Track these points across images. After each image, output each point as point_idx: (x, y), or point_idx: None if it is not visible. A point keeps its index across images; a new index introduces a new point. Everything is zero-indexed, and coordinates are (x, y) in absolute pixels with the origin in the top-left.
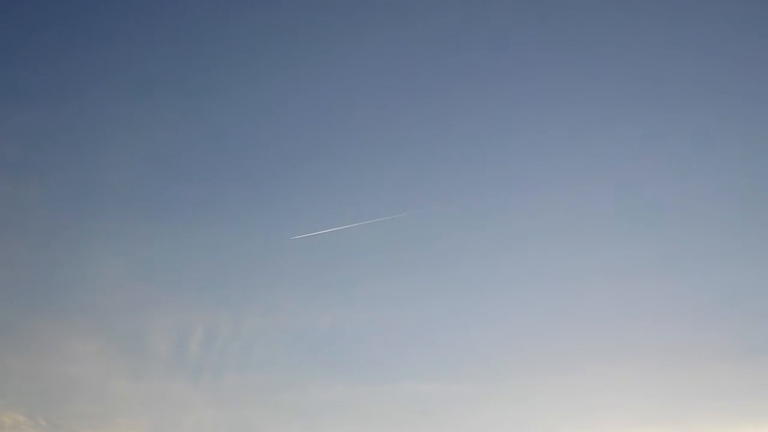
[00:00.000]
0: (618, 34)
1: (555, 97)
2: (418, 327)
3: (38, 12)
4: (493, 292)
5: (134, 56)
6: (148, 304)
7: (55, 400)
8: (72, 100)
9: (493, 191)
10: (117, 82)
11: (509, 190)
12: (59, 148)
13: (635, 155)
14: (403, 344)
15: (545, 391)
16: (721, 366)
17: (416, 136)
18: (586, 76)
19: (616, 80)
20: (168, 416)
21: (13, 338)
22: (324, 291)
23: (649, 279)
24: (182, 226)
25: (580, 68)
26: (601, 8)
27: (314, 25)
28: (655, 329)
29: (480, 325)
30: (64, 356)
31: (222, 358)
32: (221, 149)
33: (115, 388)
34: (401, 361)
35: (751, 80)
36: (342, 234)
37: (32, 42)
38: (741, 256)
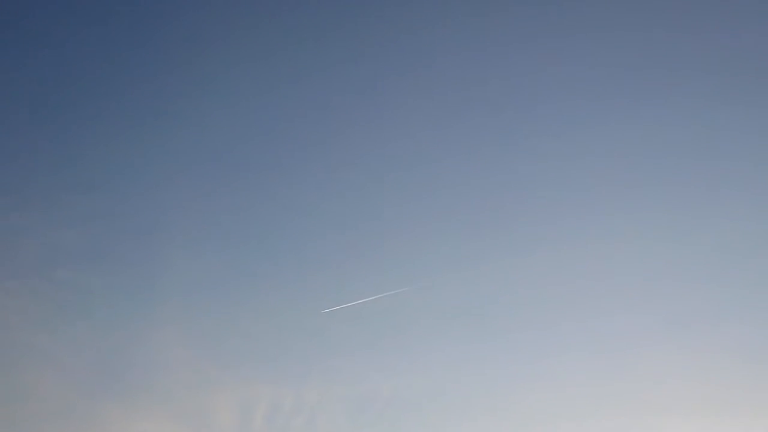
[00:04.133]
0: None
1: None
2: (476, 391)
3: (96, 104)
4: (551, 355)
5: (185, 139)
6: (210, 382)
7: None
8: (128, 185)
9: (541, 250)
10: (172, 166)
11: (558, 247)
12: (117, 233)
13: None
14: (462, 409)
15: None
16: None
17: (458, 193)
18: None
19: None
20: None
21: (80, 422)
22: (381, 359)
23: (718, 326)
24: (237, 304)
25: (628, 93)
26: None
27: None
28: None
29: (543, 389)
30: None
31: (286, 431)
32: (275, 228)
33: None
34: (462, 427)
35: None
36: (388, 300)
37: (89, 128)
38: None
